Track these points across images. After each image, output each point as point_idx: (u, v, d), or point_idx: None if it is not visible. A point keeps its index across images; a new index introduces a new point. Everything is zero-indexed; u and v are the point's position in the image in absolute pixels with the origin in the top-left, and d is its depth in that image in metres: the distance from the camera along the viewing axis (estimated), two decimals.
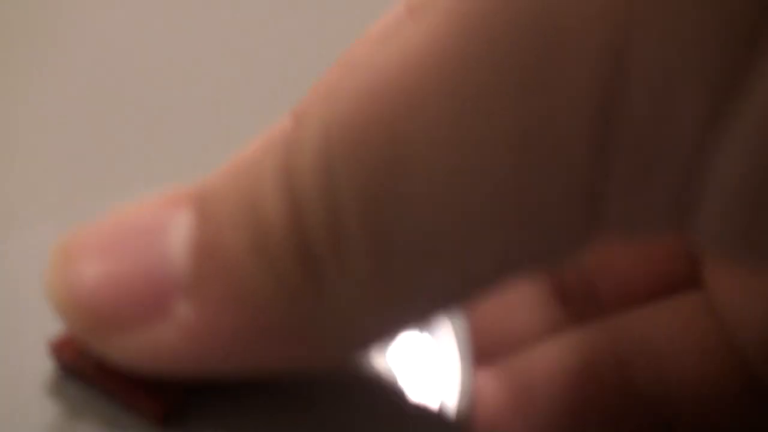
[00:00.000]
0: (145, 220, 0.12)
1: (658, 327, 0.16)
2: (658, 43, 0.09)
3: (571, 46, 0.09)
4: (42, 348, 0.14)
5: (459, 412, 0.14)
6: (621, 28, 0.09)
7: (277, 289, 0.11)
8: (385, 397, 0.13)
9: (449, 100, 0.10)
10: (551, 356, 0.16)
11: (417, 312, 0.11)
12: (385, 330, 0.11)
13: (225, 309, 0.11)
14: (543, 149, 0.10)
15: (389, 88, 0.10)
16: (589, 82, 0.09)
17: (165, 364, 0.11)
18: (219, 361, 0.11)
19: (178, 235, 0.11)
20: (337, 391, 0.13)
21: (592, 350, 0.16)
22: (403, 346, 0.15)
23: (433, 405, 0.14)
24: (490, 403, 0.16)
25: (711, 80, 0.09)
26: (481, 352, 0.16)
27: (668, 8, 0.09)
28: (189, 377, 0.12)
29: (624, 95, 0.09)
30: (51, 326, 0.13)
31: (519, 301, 0.17)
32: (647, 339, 0.16)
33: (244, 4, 0.61)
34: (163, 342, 0.11)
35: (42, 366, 0.14)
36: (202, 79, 0.62)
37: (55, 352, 0.14)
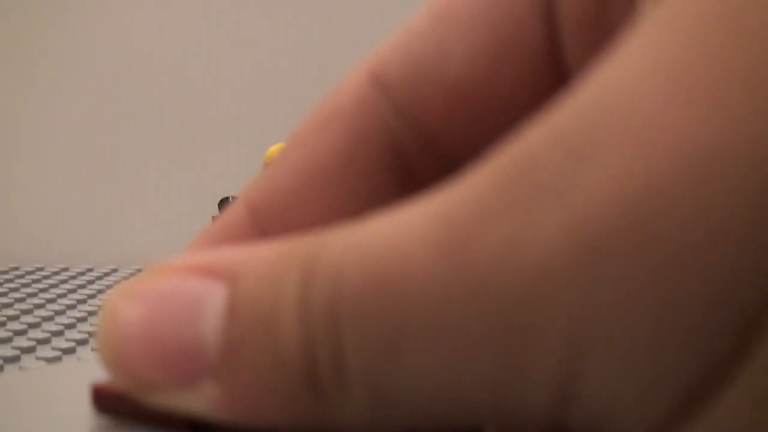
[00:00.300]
0: (186, 291, 0.13)
1: None
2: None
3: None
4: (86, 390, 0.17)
5: None
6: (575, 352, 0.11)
7: (288, 402, 0.12)
8: None
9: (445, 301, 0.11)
10: None
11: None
12: None
13: (246, 399, 0.12)
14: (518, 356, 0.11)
15: (397, 275, 0.11)
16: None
17: (195, 418, 0.13)
18: (246, 423, 0.13)
19: (213, 314, 0.13)
20: None
21: None
22: None
23: None
24: None
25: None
26: None
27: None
28: None
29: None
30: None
31: None
32: None
33: (253, 8, 0.60)
34: (194, 406, 0.13)
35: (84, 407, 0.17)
36: (215, 81, 0.61)
37: (96, 394, 0.16)
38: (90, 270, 0.59)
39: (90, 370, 0.19)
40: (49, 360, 0.37)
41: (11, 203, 0.68)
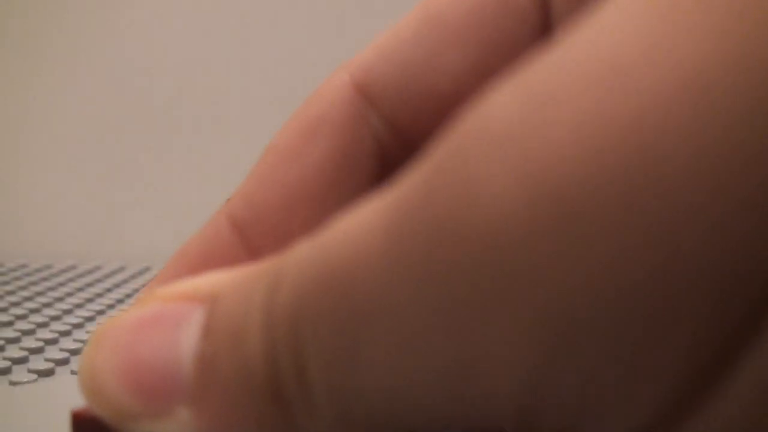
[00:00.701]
0: (166, 317, 0.13)
1: None
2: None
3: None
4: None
5: None
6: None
7: (258, 418, 0.12)
8: None
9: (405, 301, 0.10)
10: None
11: None
12: None
13: (219, 419, 0.12)
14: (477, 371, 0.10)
15: (347, 270, 0.11)
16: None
17: None
18: None
19: (190, 337, 0.13)
20: None
21: None
22: None
23: None
24: None
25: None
26: None
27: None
28: None
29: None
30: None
31: None
32: None
33: (254, 9, 0.60)
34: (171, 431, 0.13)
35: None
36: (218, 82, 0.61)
37: (75, 421, 0.15)
38: (98, 268, 0.59)
39: None
40: (57, 362, 0.37)
41: (19, 200, 0.68)
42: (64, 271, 0.58)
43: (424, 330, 0.10)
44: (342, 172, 0.17)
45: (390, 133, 0.17)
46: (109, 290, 0.52)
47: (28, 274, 0.56)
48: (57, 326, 0.42)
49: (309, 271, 0.11)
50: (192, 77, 0.67)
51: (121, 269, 0.59)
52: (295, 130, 0.17)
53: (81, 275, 0.56)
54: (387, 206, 0.11)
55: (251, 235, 0.17)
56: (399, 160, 0.17)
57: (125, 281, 0.55)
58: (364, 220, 0.11)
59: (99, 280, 0.55)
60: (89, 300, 0.49)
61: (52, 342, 0.40)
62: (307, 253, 0.12)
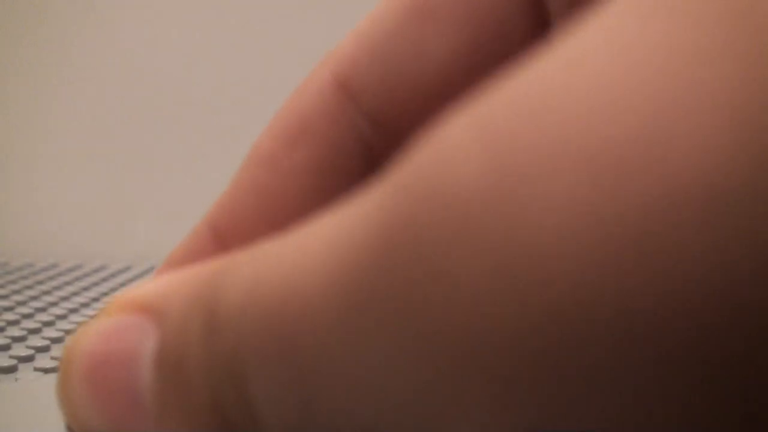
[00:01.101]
0: (124, 334, 0.13)
1: None
2: None
3: None
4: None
5: None
6: None
7: None
8: None
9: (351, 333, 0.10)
10: None
11: None
12: None
13: None
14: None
15: (295, 320, 0.10)
16: None
17: None
18: None
19: (146, 364, 0.12)
20: None
21: None
22: None
23: None
24: None
25: None
26: None
27: None
28: None
29: None
30: None
31: None
32: None
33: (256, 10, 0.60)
34: None
35: None
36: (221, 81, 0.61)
37: None
38: (104, 267, 0.59)
39: None
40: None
41: (25, 200, 0.68)
42: (70, 270, 0.58)
43: (386, 398, 0.09)
44: (325, 177, 0.16)
45: (375, 129, 0.16)
46: (114, 289, 0.52)
47: (34, 273, 0.56)
48: (63, 325, 0.43)
49: (250, 315, 0.10)
50: (198, 78, 0.67)
51: (127, 269, 0.59)
52: (276, 134, 0.16)
53: (87, 274, 0.57)
54: (328, 247, 0.10)
55: (232, 245, 0.16)
56: (386, 157, 0.16)
57: (131, 280, 0.55)
58: (306, 254, 0.10)
59: (105, 279, 0.55)
60: (95, 299, 0.49)
61: (58, 341, 0.40)
62: (244, 286, 0.11)
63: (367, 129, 0.16)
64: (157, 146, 0.68)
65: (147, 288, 0.13)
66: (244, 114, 0.67)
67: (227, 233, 0.17)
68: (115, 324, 0.13)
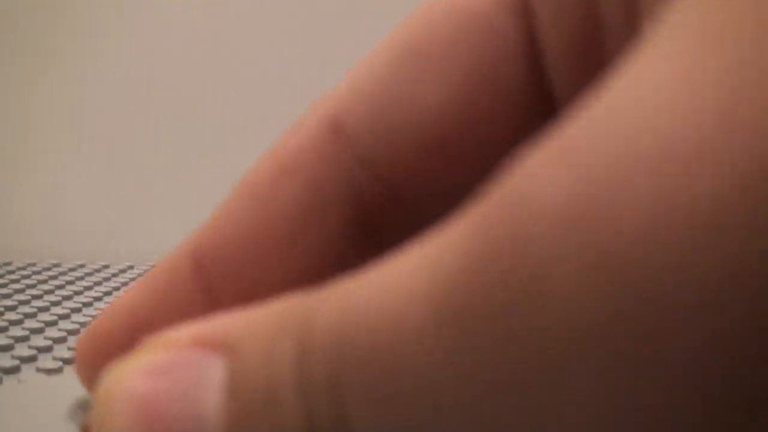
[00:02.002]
0: (185, 367, 0.13)
1: None
2: None
3: None
4: None
5: None
6: None
7: None
8: None
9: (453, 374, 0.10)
10: None
11: None
12: None
13: None
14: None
15: (396, 346, 0.10)
16: None
17: None
18: None
19: (213, 392, 0.12)
20: None
21: None
22: None
23: None
24: None
25: None
26: None
27: None
28: None
29: None
30: None
31: None
32: None
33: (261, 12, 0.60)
34: None
35: None
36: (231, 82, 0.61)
37: None
38: (106, 267, 0.59)
39: None
40: (66, 360, 0.37)
41: (28, 200, 0.68)
42: (72, 269, 0.58)
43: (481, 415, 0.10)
44: (312, 217, 0.16)
45: (367, 173, 0.16)
46: (117, 289, 0.52)
47: (36, 273, 0.56)
48: (65, 325, 0.43)
49: (349, 340, 0.11)
50: (202, 79, 0.67)
51: (129, 268, 0.59)
52: (266, 169, 0.16)
53: (89, 274, 0.57)
54: (421, 272, 0.10)
55: (212, 275, 0.17)
56: (377, 203, 0.16)
57: (133, 280, 0.55)
58: (403, 283, 0.11)
59: (107, 279, 0.55)
60: (97, 299, 0.49)
61: (60, 341, 0.40)
62: (340, 314, 0.11)
63: (359, 172, 0.16)
64: (161, 146, 0.68)
65: (199, 326, 0.13)
66: (247, 116, 0.67)
67: (207, 262, 0.16)
68: (165, 360, 0.13)
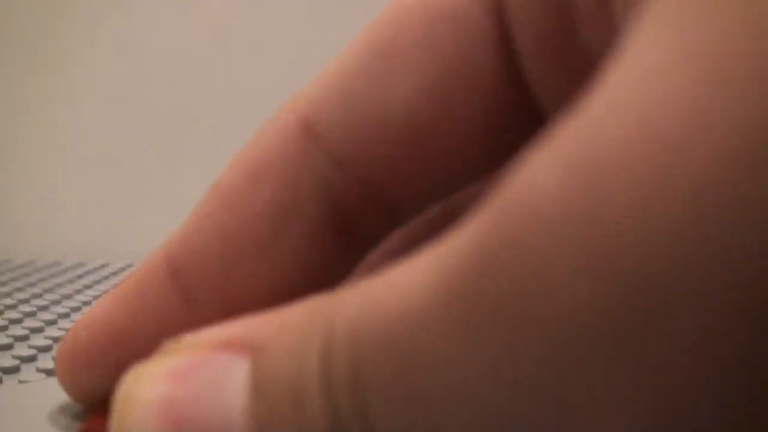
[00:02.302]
0: (208, 367, 0.13)
1: None
2: None
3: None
4: None
5: None
6: None
7: None
8: None
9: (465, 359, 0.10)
10: None
11: None
12: None
13: None
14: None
15: (411, 339, 0.11)
16: None
17: None
18: None
19: (238, 391, 0.12)
20: None
21: None
22: None
23: None
24: None
25: None
26: None
27: None
28: None
29: None
30: None
31: None
32: None
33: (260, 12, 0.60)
34: None
35: None
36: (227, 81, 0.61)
37: None
38: (106, 265, 0.59)
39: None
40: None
41: (27, 198, 0.68)
42: (71, 268, 0.58)
43: (500, 406, 0.10)
44: (287, 218, 0.16)
45: (338, 171, 0.16)
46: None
47: (36, 271, 0.56)
48: (66, 324, 0.43)
49: (366, 335, 0.11)
50: (202, 77, 0.67)
51: (129, 267, 0.59)
52: (237, 172, 0.16)
53: (89, 272, 0.57)
54: (434, 270, 0.11)
55: (187, 279, 0.16)
56: (353, 200, 0.16)
57: None
58: (410, 277, 0.11)
59: (107, 278, 0.55)
60: (97, 297, 0.49)
61: (60, 340, 0.40)
62: (358, 312, 0.11)
63: (331, 171, 0.16)
64: (160, 144, 0.68)
65: (217, 329, 0.13)
66: (248, 114, 0.67)
67: (182, 267, 0.16)
68: (188, 363, 0.13)
